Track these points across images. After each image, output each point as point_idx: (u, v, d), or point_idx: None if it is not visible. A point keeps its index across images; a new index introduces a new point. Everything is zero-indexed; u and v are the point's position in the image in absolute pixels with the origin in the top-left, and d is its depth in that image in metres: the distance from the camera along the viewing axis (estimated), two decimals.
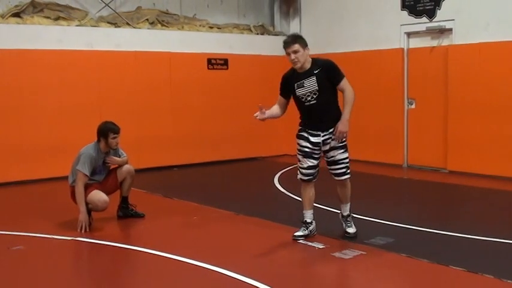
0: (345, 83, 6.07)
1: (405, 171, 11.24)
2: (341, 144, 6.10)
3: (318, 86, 6.02)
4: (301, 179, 6.30)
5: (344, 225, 6.36)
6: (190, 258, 5.62)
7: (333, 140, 6.07)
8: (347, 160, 6.18)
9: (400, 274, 5.40)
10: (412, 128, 11.36)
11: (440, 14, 10.70)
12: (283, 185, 9.60)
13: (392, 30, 11.46)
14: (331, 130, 6.07)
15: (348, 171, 6.19)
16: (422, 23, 10.98)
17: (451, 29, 10.56)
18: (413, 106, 11.33)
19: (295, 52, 5.97)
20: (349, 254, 5.76)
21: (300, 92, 6.11)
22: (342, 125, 6.00)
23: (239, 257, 5.86)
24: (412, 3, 11.11)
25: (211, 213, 7.79)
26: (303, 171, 6.25)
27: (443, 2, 10.62)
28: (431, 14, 10.83)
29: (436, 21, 10.75)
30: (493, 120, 9.92)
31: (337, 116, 6.09)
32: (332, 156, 6.13)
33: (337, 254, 5.76)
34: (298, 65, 6.03)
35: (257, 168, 12.09)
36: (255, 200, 8.76)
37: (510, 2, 9.76)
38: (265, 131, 13.00)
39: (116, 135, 7.01)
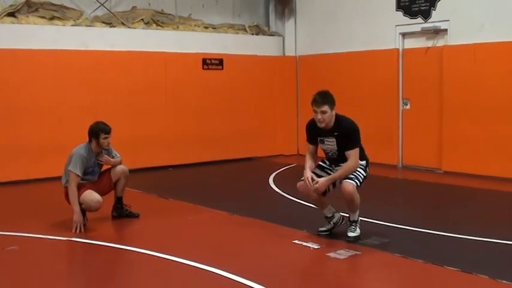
0: (353, 153, 6.08)
1: (400, 172, 11.26)
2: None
3: (337, 146, 6.15)
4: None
5: (347, 228, 6.31)
6: (185, 259, 5.61)
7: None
8: (360, 174, 6.13)
9: (394, 274, 5.41)
10: (407, 129, 11.38)
11: (435, 14, 10.72)
12: (278, 185, 9.60)
13: (388, 30, 11.47)
14: None
15: (356, 180, 6.07)
16: (417, 24, 11.00)
17: (446, 30, 10.58)
18: (408, 106, 11.35)
19: (323, 112, 6.03)
20: (344, 254, 5.76)
21: (322, 146, 6.30)
22: (322, 182, 6.06)
23: (234, 257, 5.86)
24: (407, 3, 11.12)
25: (206, 213, 7.78)
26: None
27: (439, 3, 10.64)
28: (426, 15, 10.85)
29: (431, 22, 10.77)
30: (487, 120, 9.95)
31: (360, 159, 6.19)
32: None
33: (332, 254, 5.76)
34: (322, 125, 6.11)
35: (252, 169, 12.09)
36: (250, 200, 8.75)
37: (505, 3, 9.79)
38: (261, 131, 13.03)
39: (107, 135, 6.99)
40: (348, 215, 6.34)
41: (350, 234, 6.22)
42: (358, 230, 6.25)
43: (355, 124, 6.21)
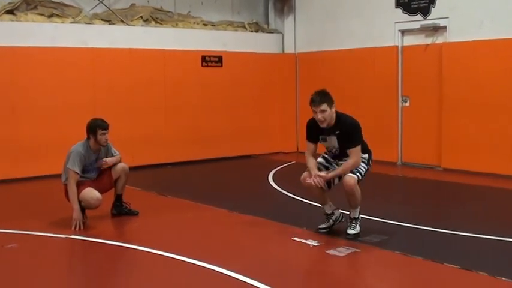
0: (355, 151, 6.07)
1: (399, 169, 11.26)
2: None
3: (338, 144, 6.15)
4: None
5: (347, 225, 6.33)
6: (184, 256, 5.61)
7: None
8: (362, 169, 6.16)
9: (394, 271, 5.41)
10: (407, 126, 11.37)
11: (434, 11, 10.71)
12: (277, 182, 9.60)
13: (387, 27, 11.46)
14: None
15: (357, 173, 6.10)
16: (416, 21, 10.98)
17: (445, 27, 10.57)
18: (407, 104, 11.34)
19: (323, 112, 5.97)
20: (343, 251, 5.76)
21: (324, 144, 6.29)
22: (325, 177, 6.08)
23: (233, 255, 5.86)
24: (407, 1, 11.11)
25: (206, 210, 7.78)
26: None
27: (438, 0, 10.63)
28: (425, 12, 10.84)
29: (431, 19, 10.75)
30: (487, 117, 9.94)
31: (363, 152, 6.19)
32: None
33: (331, 252, 5.76)
34: (324, 124, 6.06)
35: (251, 166, 12.08)
36: (249, 198, 8.76)
37: (504, 0, 9.78)
38: (260, 128, 13.03)
39: (104, 131, 6.97)
40: (348, 213, 6.34)
41: (350, 231, 6.23)
42: (358, 228, 6.26)
43: (356, 121, 6.19)
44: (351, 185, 6.03)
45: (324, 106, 5.96)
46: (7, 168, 9.96)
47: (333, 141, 6.14)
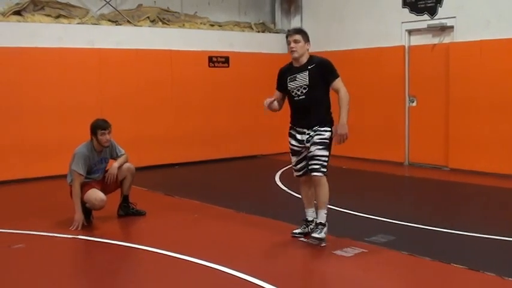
0: (338, 83, 6.08)
1: (406, 169, 11.23)
2: (320, 141, 5.97)
3: (308, 81, 6.05)
4: (295, 175, 6.35)
5: (313, 229, 6.12)
6: (191, 256, 5.62)
7: (336, 142, 6.05)
8: (324, 158, 5.97)
9: (401, 272, 5.40)
10: (413, 126, 11.35)
11: (441, 11, 10.69)
12: (284, 182, 9.59)
13: (394, 27, 11.44)
14: (315, 128, 6.02)
15: (323, 169, 5.95)
16: (423, 21, 10.97)
17: (452, 27, 10.55)
18: (414, 104, 11.32)
19: (296, 42, 6.07)
20: (350, 252, 5.75)
21: (291, 85, 6.17)
22: (341, 128, 5.94)
23: (240, 255, 5.86)
24: (413, 0, 11.09)
25: (212, 211, 7.78)
26: (294, 167, 6.32)
27: (445, 0, 10.60)
28: (432, 12, 10.81)
29: (437, 19, 10.73)
30: (494, 117, 9.91)
31: (324, 116, 6.07)
32: (311, 151, 6.01)
33: (338, 252, 5.75)
34: (296, 55, 6.10)
35: (258, 166, 12.08)
36: (256, 198, 8.76)
37: (511, 0, 9.75)
38: (266, 128, 13.00)
39: (104, 131, 6.95)
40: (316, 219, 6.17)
41: (315, 235, 5.98)
42: (323, 234, 5.98)
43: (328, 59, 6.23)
44: (319, 182, 5.98)
45: (298, 37, 6.08)
46: (15, 168, 10.00)
47: (303, 77, 6.06)
